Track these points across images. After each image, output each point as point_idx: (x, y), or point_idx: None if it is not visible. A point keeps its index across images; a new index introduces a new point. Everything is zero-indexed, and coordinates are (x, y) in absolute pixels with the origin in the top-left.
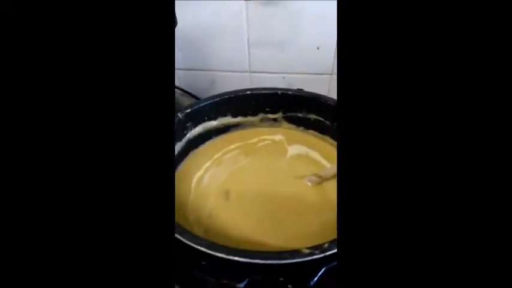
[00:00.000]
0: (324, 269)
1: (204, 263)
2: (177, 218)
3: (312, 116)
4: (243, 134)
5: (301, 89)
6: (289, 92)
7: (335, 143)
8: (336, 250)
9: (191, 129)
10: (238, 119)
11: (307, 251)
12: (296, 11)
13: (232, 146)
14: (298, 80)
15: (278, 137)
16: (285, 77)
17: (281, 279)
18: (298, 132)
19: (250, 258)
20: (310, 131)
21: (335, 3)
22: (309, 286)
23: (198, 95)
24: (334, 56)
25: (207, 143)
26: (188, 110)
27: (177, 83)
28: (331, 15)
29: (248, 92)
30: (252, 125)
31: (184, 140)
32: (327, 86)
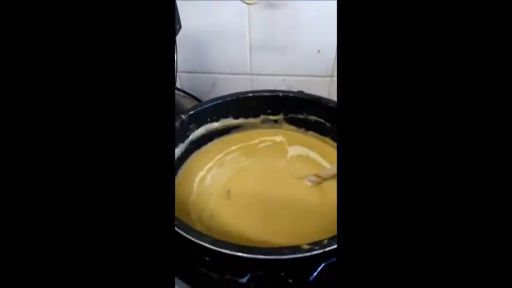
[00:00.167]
0: (323, 265)
1: (207, 258)
2: (180, 217)
3: (313, 118)
4: (244, 135)
5: (301, 91)
6: (290, 94)
7: (335, 144)
8: (335, 246)
9: (194, 131)
10: (240, 121)
11: (307, 246)
12: (297, 14)
13: (234, 147)
14: (299, 82)
15: (279, 138)
16: (286, 80)
17: (282, 274)
18: (299, 134)
19: (252, 254)
20: (311, 133)
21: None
22: (308, 281)
23: (199, 97)
24: (335, 59)
25: (209, 144)
26: (191, 112)
27: (178, 85)
28: (332, 18)
29: (250, 95)
30: (253, 126)
31: (187, 141)
32: (327, 89)
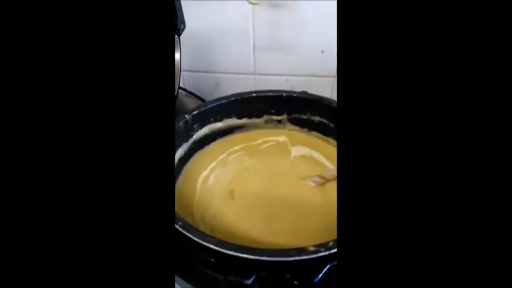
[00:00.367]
0: (328, 266)
1: (212, 259)
2: (184, 217)
3: (316, 118)
4: (247, 135)
5: (305, 92)
6: (294, 95)
7: None
8: None
9: (197, 131)
10: (243, 121)
11: (312, 248)
12: (301, 14)
13: (237, 147)
14: (302, 82)
15: (282, 139)
16: (289, 79)
17: (287, 275)
18: (302, 134)
19: (258, 256)
20: (314, 133)
21: None
22: (313, 282)
23: (202, 97)
24: None
25: (212, 144)
26: (195, 112)
27: (181, 84)
28: (335, 18)
29: (254, 95)
30: (256, 126)
31: (191, 140)
32: (330, 89)
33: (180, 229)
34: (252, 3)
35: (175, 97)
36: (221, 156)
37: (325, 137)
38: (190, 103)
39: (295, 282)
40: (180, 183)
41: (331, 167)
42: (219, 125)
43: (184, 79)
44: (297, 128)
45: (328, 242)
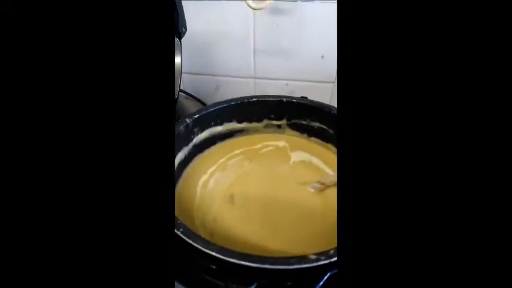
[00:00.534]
0: (328, 274)
1: (213, 267)
2: (184, 222)
3: (316, 124)
4: (247, 139)
5: (305, 97)
6: (294, 100)
7: None
8: None
9: (198, 134)
10: (243, 125)
11: (313, 257)
12: (302, 20)
13: (237, 151)
14: (301, 87)
15: (282, 144)
16: (289, 84)
17: (288, 283)
18: (302, 139)
19: (260, 264)
20: (313, 139)
21: None
22: None
23: (202, 99)
24: None
25: (212, 148)
26: (196, 116)
27: (181, 87)
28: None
29: (254, 99)
30: (256, 130)
31: (191, 144)
32: (329, 94)
33: (182, 235)
34: (254, 9)
35: (175, 100)
36: (221, 160)
37: (324, 143)
38: (190, 105)
39: None
40: (180, 186)
41: (330, 173)
42: (219, 128)
43: (184, 81)
44: (297, 133)
45: (329, 250)
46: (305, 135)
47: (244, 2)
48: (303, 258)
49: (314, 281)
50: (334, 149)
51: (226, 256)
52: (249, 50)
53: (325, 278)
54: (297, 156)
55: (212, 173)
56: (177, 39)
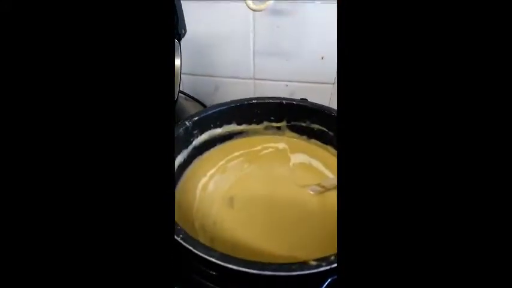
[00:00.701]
0: (329, 280)
1: (214, 273)
2: (183, 225)
3: (316, 126)
4: (247, 141)
5: (305, 99)
6: (294, 102)
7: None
8: None
9: (197, 137)
10: (243, 127)
11: (314, 263)
12: (302, 21)
13: (237, 153)
14: (301, 88)
15: (281, 145)
16: (288, 85)
17: None
18: (301, 141)
19: (261, 270)
20: (313, 140)
21: None
22: None
23: (201, 100)
24: None
25: (212, 150)
26: (195, 118)
27: (181, 88)
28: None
29: (254, 101)
30: (256, 132)
31: (190, 147)
32: (329, 96)
33: (182, 242)
34: (253, 10)
35: (175, 102)
36: (221, 163)
37: (324, 145)
38: (189, 106)
39: None
40: (180, 189)
41: (330, 175)
42: (218, 131)
43: (184, 82)
44: (296, 135)
45: (330, 256)
46: (305, 137)
47: (244, 3)
48: (303, 265)
49: (315, 287)
50: (334, 151)
51: (227, 263)
52: (248, 51)
53: (326, 284)
54: (296, 158)
55: (212, 176)
56: (176, 41)
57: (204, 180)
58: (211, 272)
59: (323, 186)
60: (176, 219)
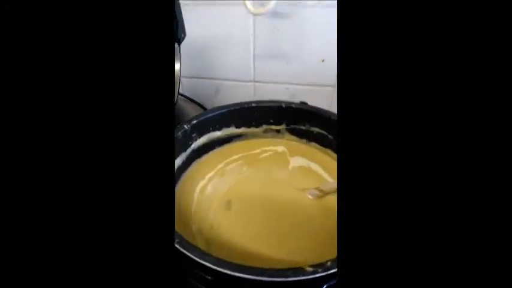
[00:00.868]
0: (325, 286)
1: (209, 277)
2: (181, 228)
3: (315, 130)
4: (245, 144)
5: (304, 102)
6: (293, 105)
7: (336, 156)
8: (337, 269)
9: (196, 140)
10: (242, 130)
11: (310, 269)
12: (302, 24)
13: (235, 156)
14: (302, 91)
15: (280, 149)
16: (288, 88)
17: None
18: (301, 145)
19: (256, 276)
20: (313, 144)
21: None
22: None
23: (202, 103)
24: None
25: (210, 153)
26: (194, 121)
27: (181, 91)
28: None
29: (253, 105)
30: (255, 135)
31: (189, 150)
32: (329, 98)
33: (178, 246)
34: (254, 14)
35: (174, 105)
36: (219, 166)
37: (323, 149)
38: (189, 109)
39: None
40: (178, 192)
41: (329, 179)
42: (217, 134)
43: (184, 85)
44: (296, 138)
45: (326, 262)
46: (304, 140)
47: (243, 6)
48: (299, 271)
49: None
50: (334, 155)
51: (222, 268)
52: (249, 54)
53: None
54: (295, 161)
55: (210, 179)
56: (176, 45)
57: (202, 183)
58: (206, 276)
59: (322, 190)
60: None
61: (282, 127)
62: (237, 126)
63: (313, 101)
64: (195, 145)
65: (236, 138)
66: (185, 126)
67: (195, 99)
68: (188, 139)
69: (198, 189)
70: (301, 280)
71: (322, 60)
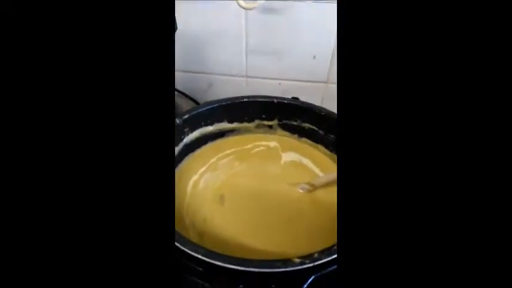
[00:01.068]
0: (313, 277)
1: (200, 269)
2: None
3: (306, 125)
4: (238, 139)
5: (296, 98)
6: (285, 101)
7: (327, 152)
8: (325, 260)
9: (188, 134)
10: (234, 125)
11: (298, 260)
12: (294, 20)
13: (228, 151)
14: (294, 87)
15: (273, 144)
16: (281, 83)
17: (273, 286)
18: (293, 140)
19: (245, 267)
20: (304, 139)
21: (333, 13)
22: None
23: (194, 97)
24: (330, 65)
25: (203, 148)
26: (186, 116)
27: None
28: (328, 25)
29: (245, 100)
30: (247, 130)
31: (181, 144)
32: (321, 94)
33: None
34: (246, 8)
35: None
36: (212, 160)
37: (315, 144)
38: (182, 103)
39: None
40: None
41: (320, 174)
42: (210, 128)
43: (177, 79)
44: (288, 133)
45: (314, 253)
46: (296, 135)
47: (235, 1)
48: (287, 262)
49: (298, 283)
50: (324, 150)
51: (212, 259)
52: (241, 49)
53: (310, 280)
54: (287, 156)
55: (202, 174)
56: None
57: (195, 177)
58: (198, 268)
59: (312, 185)
60: None
61: (274, 122)
62: (229, 121)
63: (305, 97)
64: (187, 139)
65: (228, 133)
66: (177, 120)
67: (187, 93)
68: (180, 134)
69: (190, 183)
70: (288, 271)
71: (314, 57)
